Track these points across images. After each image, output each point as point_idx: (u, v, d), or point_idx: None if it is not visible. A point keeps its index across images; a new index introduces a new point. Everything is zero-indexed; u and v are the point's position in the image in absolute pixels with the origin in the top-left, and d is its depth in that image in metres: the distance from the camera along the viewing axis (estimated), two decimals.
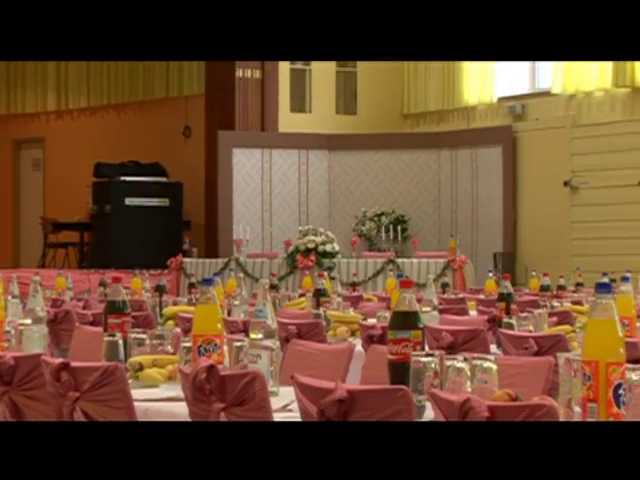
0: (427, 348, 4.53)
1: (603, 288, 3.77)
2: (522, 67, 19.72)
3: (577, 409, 3.71)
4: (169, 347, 5.75)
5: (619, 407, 3.56)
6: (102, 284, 13.17)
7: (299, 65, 20.82)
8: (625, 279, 7.69)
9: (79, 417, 4.67)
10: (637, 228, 17.44)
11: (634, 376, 3.71)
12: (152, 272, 16.64)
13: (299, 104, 21.01)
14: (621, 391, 3.58)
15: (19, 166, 25.88)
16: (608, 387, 3.56)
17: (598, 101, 18.34)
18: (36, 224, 24.20)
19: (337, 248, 18.22)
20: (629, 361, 3.80)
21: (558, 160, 18.73)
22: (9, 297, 7.96)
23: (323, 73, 21.01)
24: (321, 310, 8.74)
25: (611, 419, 3.56)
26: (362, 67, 21.11)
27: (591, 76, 18.21)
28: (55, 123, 24.78)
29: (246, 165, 20.38)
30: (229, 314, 8.60)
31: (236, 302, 9.91)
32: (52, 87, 24.62)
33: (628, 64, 17.58)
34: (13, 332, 6.27)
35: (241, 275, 16.68)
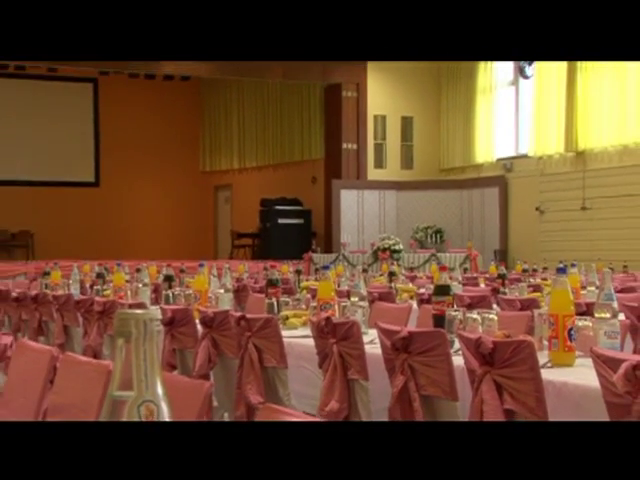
0: (455, 306, 4.47)
1: (561, 271, 3.74)
2: (510, 139, 19.52)
3: (545, 343, 3.66)
4: (303, 306, 5.74)
5: (571, 341, 3.51)
6: (265, 269, 13.19)
7: (379, 140, 20.77)
8: (573, 265, 7.66)
9: (251, 348, 4.67)
10: (579, 236, 17.30)
11: (580, 323, 3.66)
12: (294, 262, 16.67)
13: (379, 163, 20.92)
14: (572, 332, 3.52)
15: (217, 201, 26.05)
16: (564, 330, 3.50)
17: (555, 160, 18.11)
18: (227, 234, 24.36)
19: (402, 247, 18.15)
20: (577, 314, 3.75)
21: (532, 195, 18.56)
22: (211, 276, 8.02)
23: (393, 145, 20.96)
24: (392, 284, 8.70)
25: (566, 349, 3.50)
26: (416, 142, 21.02)
27: (551, 145, 18.02)
28: (238, 175, 24.90)
29: (348, 199, 20.36)
30: (338, 286, 8.57)
31: (342, 279, 9.89)
32: (236, 154, 24.75)
33: (574, 137, 17.45)
34: (213, 297, 6.30)
35: (345, 264, 16.73)
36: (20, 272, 16.18)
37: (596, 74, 16.99)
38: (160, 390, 0.85)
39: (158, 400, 0.85)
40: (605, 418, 2.77)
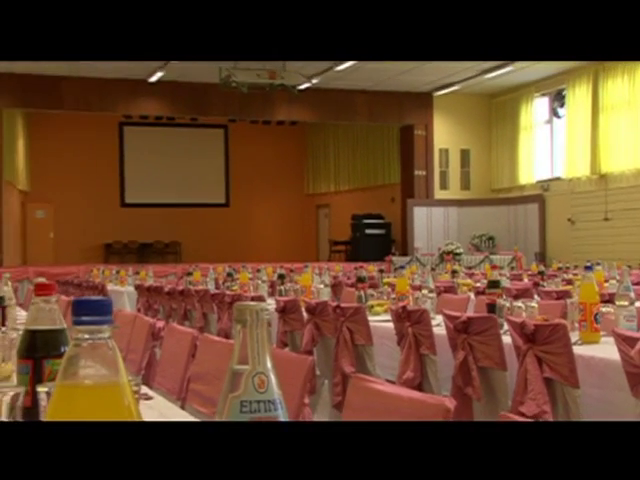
0: (504, 297, 4.39)
1: (588, 268, 3.65)
2: (546, 165, 19.11)
3: (576, 325, 3.56)
4: (385, 297, 5.70)
5: (597, 324, 3.41)
6: (355, 268, 13.16)
7: (443, 168, 20.57)
8: (598, 264, 7.44)
9: (345, 330, 4.66)
10: (603, 240, 16.91)
11: (603, 309, 3.56)
12: (378, 263, 16.59)
13: (443, 185, 20.69)
14: (598, 316, 3.42)
15: (318, 216, 26.09)
16: (591, 314, 3.41)
17: (583, 181, 17.67)
18: (326, 242, 24.40)
19: (462, 251, 17.97)
20: (601, 302, 3.65)
21: (564, 209, 18.17)
22: (314, 275, 8.04)
23: (454, 172, 20.70)
24: (455, 279, 8.59)
25: (593, 330, 3.41)
26: (472, 168, 20.76)
27: (579, 169, 17.61)
28: (334, 196, 24.93)
29: (419, 214, 20.22)
30: (412, 282, 8.48)
31: (415, 276, 9.80)
32: (331, 180, 24.77)
33: (598, 163, 17.07)
34: (315, 291, 6.30)
35: (418, 264, 16.59)
36: (171, 272, 16.50)
37: (615, 113, 16.70)
38: (269, 364, 0.86)
39: (268, 372, 0.86)
40: (625, 385, 2.72)
